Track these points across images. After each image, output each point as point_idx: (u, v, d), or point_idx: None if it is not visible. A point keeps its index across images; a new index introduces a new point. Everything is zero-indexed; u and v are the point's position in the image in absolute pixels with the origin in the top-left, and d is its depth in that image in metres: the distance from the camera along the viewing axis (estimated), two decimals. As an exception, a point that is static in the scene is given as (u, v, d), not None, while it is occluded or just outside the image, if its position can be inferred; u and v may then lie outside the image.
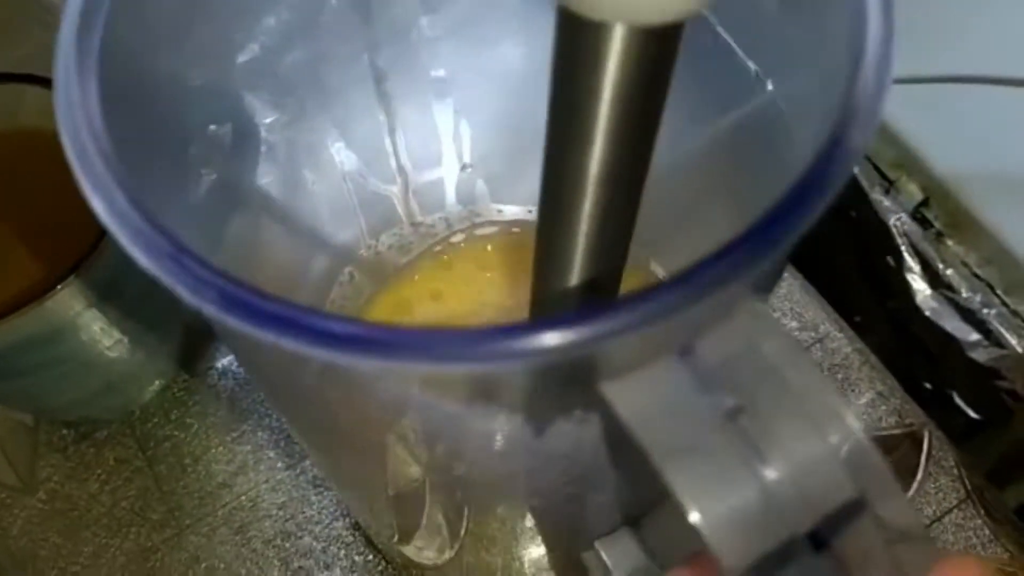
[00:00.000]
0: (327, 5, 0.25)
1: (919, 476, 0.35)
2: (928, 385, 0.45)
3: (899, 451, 0.36)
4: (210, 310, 0.13)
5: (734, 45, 0.23)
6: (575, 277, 0.18)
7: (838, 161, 0.14)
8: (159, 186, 0.19)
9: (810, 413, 0.16)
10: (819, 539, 0.16)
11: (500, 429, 0.20)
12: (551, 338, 0.13)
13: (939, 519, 0.35)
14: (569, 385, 0.17)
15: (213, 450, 0.40)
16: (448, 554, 0.29)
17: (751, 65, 0.23)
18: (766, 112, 0.23)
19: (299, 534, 0.38)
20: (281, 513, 0.38)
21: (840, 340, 0.39)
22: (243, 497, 0.39)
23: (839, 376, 0.38)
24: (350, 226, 0.31)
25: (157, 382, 0.41)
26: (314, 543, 0.37)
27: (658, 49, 0.14)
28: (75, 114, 0.15)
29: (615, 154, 0.15)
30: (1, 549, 0.38)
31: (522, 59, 0.30)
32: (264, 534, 0.38)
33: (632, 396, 0.17)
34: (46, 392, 0.36)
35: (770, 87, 0.22)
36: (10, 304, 0.29)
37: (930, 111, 0.40)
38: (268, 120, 0.27)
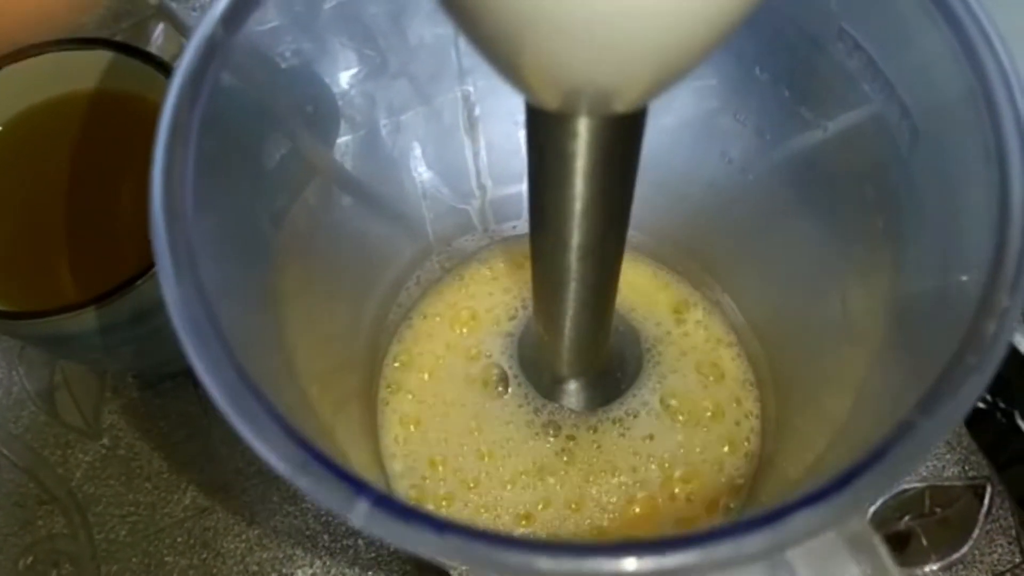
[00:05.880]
0: (419, 43, 0.24)
1: (975, 533, 0.35)
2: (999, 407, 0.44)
3: (958, 504, 0.35)
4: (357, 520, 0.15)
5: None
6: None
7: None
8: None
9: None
10: None
11: None
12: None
13: (990, 581, 0.35)
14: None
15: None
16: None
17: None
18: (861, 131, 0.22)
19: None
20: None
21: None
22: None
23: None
24: (422, 237, 0.31)
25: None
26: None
27: (623, 132, 0.15)
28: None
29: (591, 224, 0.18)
30: (64, 491, 0.40)
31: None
32: (314, 508, 0.39)
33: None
34: (147, 354, 0.37)
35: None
36: (112, 287, 0.30)
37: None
38: (345, 138, 0.26)
